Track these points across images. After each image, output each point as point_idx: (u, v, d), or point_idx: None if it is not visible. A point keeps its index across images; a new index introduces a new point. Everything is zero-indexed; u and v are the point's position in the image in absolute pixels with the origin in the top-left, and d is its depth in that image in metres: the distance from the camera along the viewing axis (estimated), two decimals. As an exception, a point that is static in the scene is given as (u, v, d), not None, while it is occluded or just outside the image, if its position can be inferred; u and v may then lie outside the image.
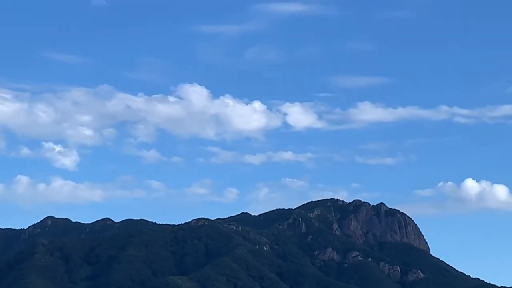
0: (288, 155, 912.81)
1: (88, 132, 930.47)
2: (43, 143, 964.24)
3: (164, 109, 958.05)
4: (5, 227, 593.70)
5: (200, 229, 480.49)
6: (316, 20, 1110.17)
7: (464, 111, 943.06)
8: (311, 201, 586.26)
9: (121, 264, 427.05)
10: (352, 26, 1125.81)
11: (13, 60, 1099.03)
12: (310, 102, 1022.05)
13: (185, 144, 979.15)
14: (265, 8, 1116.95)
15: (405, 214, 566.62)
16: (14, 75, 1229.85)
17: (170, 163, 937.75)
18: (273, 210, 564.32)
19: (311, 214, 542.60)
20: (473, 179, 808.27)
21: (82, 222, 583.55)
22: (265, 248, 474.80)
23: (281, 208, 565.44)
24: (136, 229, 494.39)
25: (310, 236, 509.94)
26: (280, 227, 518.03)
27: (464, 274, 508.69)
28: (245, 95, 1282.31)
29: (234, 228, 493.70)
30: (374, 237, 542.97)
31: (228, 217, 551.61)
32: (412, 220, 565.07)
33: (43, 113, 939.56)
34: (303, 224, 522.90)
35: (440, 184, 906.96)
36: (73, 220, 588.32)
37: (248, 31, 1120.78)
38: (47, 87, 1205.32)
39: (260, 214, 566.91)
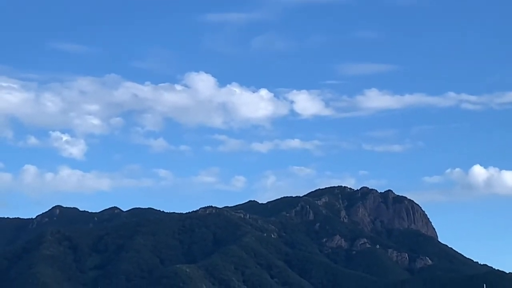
0: (295, 143, 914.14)
1: (95, 121, 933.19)
2: (51, 132, 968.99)
3: (171, 97, 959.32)
4: (13, 217, 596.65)
5: (207, 217, 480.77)
6: (323, 8, 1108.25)
7: (472, 98, 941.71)
8: (319, 189, 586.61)
9: (129, 253, 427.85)
10: (359, 14, 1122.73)
11: (20, 50, 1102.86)
12: (317, 90, 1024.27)
13: (192, 133, 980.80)
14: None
15: (413, 201, 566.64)
16: (21, 64, 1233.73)
17: (178, 151, 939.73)
18: (281, 198, 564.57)
19: (318, 201, 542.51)
20: (481, 165, 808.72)
21: (90, 211, 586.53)
22: (273, 236, 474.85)
23: (289, 196, 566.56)
24: (144, 218, 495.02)
25: (318, 224, 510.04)
26: (287, 215, 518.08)
27: (472, 260, 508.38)
28: (252, 83, 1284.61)
29: (242, 216, 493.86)
30: (382, 224, 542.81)
31: (236, 205, 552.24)
32: (420, 207, 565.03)
33: (50, 102, 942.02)
34: (311, 212, 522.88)
35: (448, 170, 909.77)
36: (81, 209, 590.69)
37: (255, 20, 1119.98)
38: (54, 76, 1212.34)
39: (268, 202, 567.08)
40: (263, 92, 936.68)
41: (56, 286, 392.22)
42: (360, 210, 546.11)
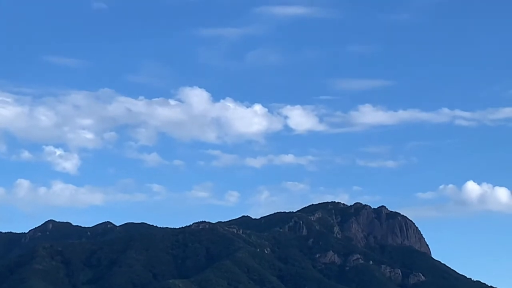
0: (289, 158, 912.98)
1: (89, 135, 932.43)
2: (44, 146, 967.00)
3: (164, 112, 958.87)
4: (6, 231, 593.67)
5: (201, 232, 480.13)
6: (317, 23, 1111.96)
7: (466, 114, 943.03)
8: (312, 204, 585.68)
9: (122, 268, 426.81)
10: (353, 29, 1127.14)
11: (14, 64, 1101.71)
12: (311, 105, 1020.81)
13: (186, 147, 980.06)
14: (266, 11, 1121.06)
15: (406, 217, 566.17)
16: (15, 78, 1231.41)
17: (171, 166, 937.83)
18: (274, 213, 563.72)
19: (312, 217, 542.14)
20: (474, 181, 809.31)
21: (83, 225, 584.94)
22: (266, 251, 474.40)
23: (282, 211, 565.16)
24: (137, 232, 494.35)
25: (311, 239, 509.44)
26: (281, 230, 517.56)
27: (465, 276, 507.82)
28: (246, 98, 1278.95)
29: (235, 231, 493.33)
30: (375, 240, 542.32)
31: (229, 220, 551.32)
32: (413, 223, 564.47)
33: (44, 116, 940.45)
34: (304, 227, 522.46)
35: (441, 186, 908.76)
36: (74, 224, 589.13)
37: (249, 34, 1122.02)
38: (48, 90, 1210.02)
39: (261, 217, 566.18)
40: (257, 107, 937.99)
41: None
42: (354, 225, 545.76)
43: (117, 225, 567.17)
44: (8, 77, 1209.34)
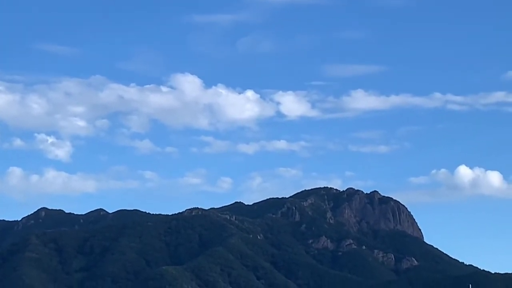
0: (281, 144, 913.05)
1: (81, 123, 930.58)
2: (36, 134, 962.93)
3: (157, 99, 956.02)
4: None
5: (193, 219, 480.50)
6: (309, 9, 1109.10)
7: (458, 98, 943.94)
8: (305, 190, 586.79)
9: (115, 255, 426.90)
10: (345, 14, 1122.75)
11: (5, 52, 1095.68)
12: (303, 91, 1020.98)
13: (178, 134, 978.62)
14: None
15: (399, 202, 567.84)
16: (7, 66, 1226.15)
17: (164, 153, 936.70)
18: (267, 199, 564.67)
19: (304, 202, 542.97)
20: (466, 166, 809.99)
21: (75, 213, 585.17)
22: (258, 237, 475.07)
23: (275, 197, 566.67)
24: (130, 219, 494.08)
25: (304, 225, 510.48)
26: (273, 216, 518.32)
27: (458, 261, 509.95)
28: (238, 85, 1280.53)
29: (228, 218, 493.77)
30: (368, 225, 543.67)
31: (222, 207, 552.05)
32: (406, 208, 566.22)
33: (36, 104, 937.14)
34: (297, 213, 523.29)
35: (434, 171, 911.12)
36: (66, 211, 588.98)
37: (241, 21, 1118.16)
38: (40, 78, 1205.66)
39: (254, 203, 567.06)
40: (249, 93, 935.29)
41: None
42: (346, 211, 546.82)
43: (110, 212, 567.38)
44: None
